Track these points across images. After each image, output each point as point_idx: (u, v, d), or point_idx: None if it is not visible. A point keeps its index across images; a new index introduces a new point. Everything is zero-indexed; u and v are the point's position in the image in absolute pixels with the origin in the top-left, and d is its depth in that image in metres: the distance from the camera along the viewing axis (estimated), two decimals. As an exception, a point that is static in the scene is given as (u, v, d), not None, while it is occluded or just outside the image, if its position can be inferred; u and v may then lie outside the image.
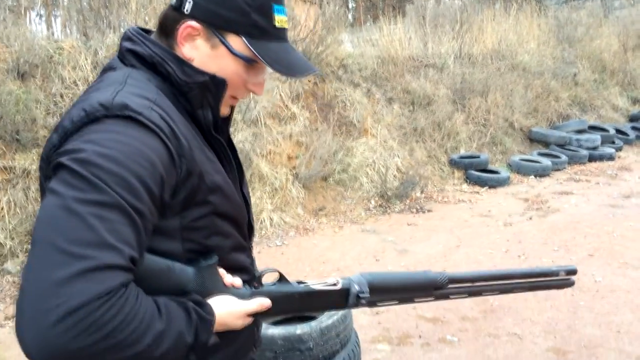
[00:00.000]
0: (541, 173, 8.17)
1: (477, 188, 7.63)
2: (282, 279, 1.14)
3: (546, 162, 8.32)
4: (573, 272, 1.38)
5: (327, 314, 2.73)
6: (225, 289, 1.06)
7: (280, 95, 7.07)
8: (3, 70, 5.49)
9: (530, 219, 6.23)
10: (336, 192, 6.80)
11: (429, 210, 6.66)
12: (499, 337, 3.54)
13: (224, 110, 1.14)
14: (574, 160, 8.81)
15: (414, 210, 6.66)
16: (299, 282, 1.16)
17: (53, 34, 7.23)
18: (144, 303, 0.87)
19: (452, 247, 5.36)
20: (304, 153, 6.73)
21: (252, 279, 1.16)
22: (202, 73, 1.05)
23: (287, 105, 7.09)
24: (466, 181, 7.84)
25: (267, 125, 6.72)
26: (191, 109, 1.07)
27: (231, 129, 5.96)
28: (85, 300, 0.78)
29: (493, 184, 7.65)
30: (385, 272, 1.27)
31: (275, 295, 1.11)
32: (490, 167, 8.10)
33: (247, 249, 1.21)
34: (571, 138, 9.21)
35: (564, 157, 8.66)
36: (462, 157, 8.07)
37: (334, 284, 1.17)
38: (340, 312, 2.72)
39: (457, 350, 3.42)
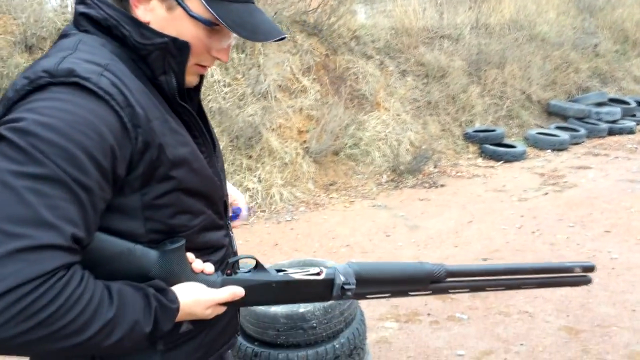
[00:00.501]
0: (559, 147, 7.98)
1: (492, 162, 7.48)
2: (258, 266, 1.05)
3: (564, 135, 8.12)
4: (590, 268, 1.25)
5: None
6: (193, 276, 0.98)
7: (291, 67, 6.94)
8: (11, 42, 5.43)
9: (546, 194, 6.09)
10: (347, 166, 6.71)
11: (442, 185, 6.54)
12: (510, 315, 3.46)
13: (190, 80, 1.04)
14: (592, 133, 8.58)
15: (427, 185, 6.55)
16: (278, 271, 1.07)
17: (67, 5, 7.13)
18: (89, 288, 0.80)
19: (465, 222, 5.26)
20: (315, 127, 6.62)
21: (228, 258, 1.08)
22: (161, 35, 0.96)
23: (297, 78, 6.96)
24: (481, 155, 7.69)
25: (277, 98, 6.61)
26: (152, 75, 0.97)
27: (236, 102, 5.86)
28: (16, 283, 0.71)
29: (509, 159, 7.49)
30: (376, 262, 1.18)
31: (250, 283, 1.02)
32: (506, 141, 7.92)
33: (224, 227, 1.13)
34: (590, 111, 8.97)
35: (582, 131, 8.44)
36: (477, 131, 7.90)
37: (317, 274, 1.08)
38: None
39: (466, 328, 3.35)
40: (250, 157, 6.10)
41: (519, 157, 7.53)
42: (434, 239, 4.87)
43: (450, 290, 1.17)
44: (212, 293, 0.98)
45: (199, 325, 1.03)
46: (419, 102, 7.89)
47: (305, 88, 6.92)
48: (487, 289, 1.20)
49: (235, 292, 1.00)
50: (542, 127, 8.75)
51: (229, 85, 6.44)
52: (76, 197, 0.79)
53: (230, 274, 1.03)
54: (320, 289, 1.08)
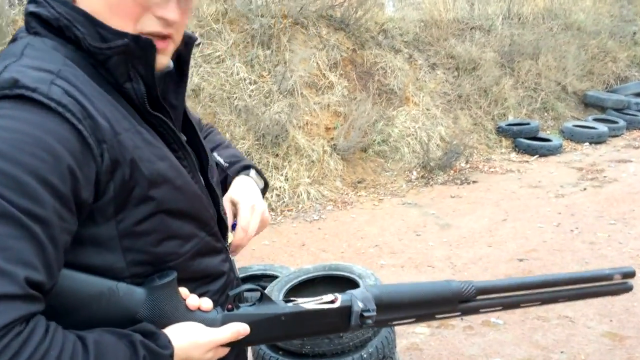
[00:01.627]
0: (597, 140, 7.66)
1: (526, 157, 7.22)
2: (264, 297, 0.93)
3: (602, 128, 7.80)
4: (631, 274, 1.13)
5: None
6: (189, 314, 0.86)
7: (317, 63, 6.82)
8: None
9: (585, 189, 5.83)
10: (376, 163, 6.55)
11: (474, 182, 6.33)
12: (549, 320, 3.28)
13: (161, 61, 0.88)
14: (632, 125, 8.22)
15: (458, 181, 6.35)
16: (287, 301, 0.95)
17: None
18: (57, 342, 0.67)
19: (499, 221, 5.06)
20: (342, 123, 6.48)
21: (229, 286, 0.97)
22: (121, 35, 0.81)
23: (324, 74, 6.82)
24: (515, 150, 7.44)
25: (304, 95, 6.49)
26: (116, 82, 0.84)
27: (262, 100, 5.75)
28: None
29: (544, 153, 7.23)
30: (397, 284, 1.05)
31: (256, 318, 0.90)
32: (541, 134, 7.65)
33: (221, 251, 1.00)
34: (630, 101, 8.60)
35: (621, 122, 8.10)
36: (510, 125, 7.64)
37: (332, 302, 0.96)
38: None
39: (502, 334, 3.18)
40: (277, 155, 6.00)
41: (554, 151, 7.26)
42: (466, 238, 4.69)
43: (481, 310, 1.05)
44: (211, 333, 0.85)
45: None
46: (450, 96, 7.68)
47: (332, 84, 6.78)
48: (522, 305, 1.08)
49: (238, 330, 0.87)
50: (578, 119, 8.43)
51: (255, 82, 6.35)
52: (29, 232, 0.66)
53: (231, 309, 0.90)
54: (336, 319, 0.95)
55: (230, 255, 1.04)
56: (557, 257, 4.17)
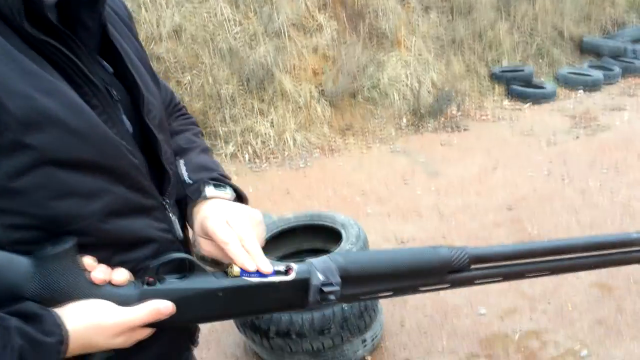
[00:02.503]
0: (591, 87, 7.47)
1: (519, 104, 7.05)
2: (195, 268, 0.77)
3: (597, 74, 7.60)
4: None
5: (341, 249, 2.43)
6: (92, 290, 0.69)
7: (306, 4, 6.51)
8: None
9: (577, 137, 5.70)
10: (365, 109, 6.37)
11: (465, 129, 6.18)
12: (536, 270, 3.21)
13: None
14: (628, 72, 8.01)
15: (449, 128, 6.19)
16: (227, 272, 0.78)
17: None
18: None
19: (489, 169, 4.94)
20: (331, 68, 6.25)
21: (167, 255, 0.78)
22: None
23: (313, 15, 6.53)
24: (508, 96, 7.25)
25: (291, 37, 6.22)
26: None
27: (247, 41, 5.49)
28: None
29: (537, 100, 7.05)
30: (371, 251, 0.88)
31: (183, 294, 0.74)
32: (535, 80, 7.45)
33: (153, 209, 0.82)
34: (626, 48, 8.36)
35: (617, 69, 7.89)
36: (504, 71, 7.43)
37: (285, 272, 0.79)
38: (355, 248, 2.42)
39: (489, 285, 3.10)
40: (262, 100, 5.79)
41: (548, 97, 7.09)
42: (455, 186, 4.58)
43: (476, 282, 0.88)
44: (121, 313, 0.69)
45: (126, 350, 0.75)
46: (443, 40, 7.42)
47: (321, 26, 6.50)
48: (528, 275, 0.90)
49: (158, 308, 0.71)
50: (574, 65, 8.22)
51: (240, 24, 6.06)
52: None
53: (152, 283, 0.74)
54: (290, 294, 0.79)
55: (170, 214, 0.86)
56: (546, 205, 4.07)
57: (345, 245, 2.45)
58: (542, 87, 7.24)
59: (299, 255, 2.90)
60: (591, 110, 6.61)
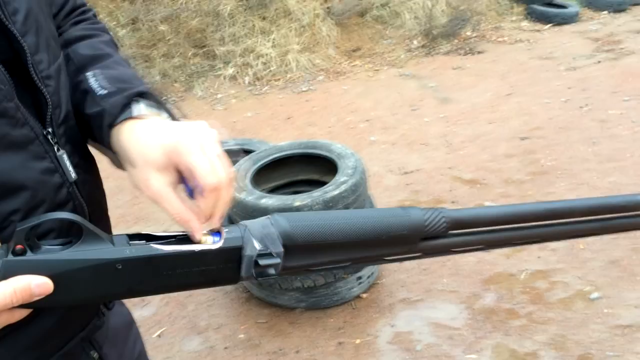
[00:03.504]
0: (617, 8, 6.98)
1: (539, 26, 6.62)
2: (86, 233, 0.56)
3: (624, -6, 7.09)
4: None
5: (336, 181, 2.24)
6: None
7: None
8: None
9: (599, 62, 5.34)
10: (374, 30, 5.99)
11: (480, 52, 5.82)
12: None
13: None
14: (658, -8, 7.49)
15: (463, 51, 5.83)
16: (133, 237, 0.59)
17: None
18: None
19: (503, 95, 4.65)
20: (338, -16, 5.84)
21: (46, 206, 0.60)
22: None
23: None
24: (527, 17, 6.81)
25: (296, -51, 5.78)
26: None
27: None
28: None
29: (559, 21, 6.62)
30: (322, 212, 0.68)
31: (65, 268, 0.55)
32: (557, 0, 6.97)
33: (32, 141, 0.61)
34: (659, -35, 7.77)
35: (646, -11, 7.36)
36: (524, -11, 6.95)
37: (215, 238, 0.61)
38: (352, 180, 2.22)
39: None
40: (264, 18, 5.44)
41: (570, 19, 6.64)
42: (466, 114, 4.32)
43: (453, 250, 0.71)
44: None
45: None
46: (460, -45, 6.89)
47: (328, -63, 6.02)
48: (515, 242, 0.74)
49: (29, 285, 0.53)
50: (600, -16, 7.66)
51: None
52: None
53: (22, 252, 0.54)
54: (215, 268, 0.60)
55: (57, 151, 0.64)
56: (562, 135, 3.82)
57: (340, 177, 2.26)
58: (564, 7, 6.78)
59: (292, 186, 2.71)
60: (615, 33, 6.18)
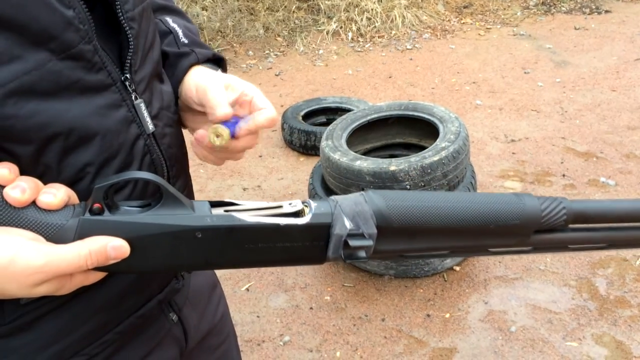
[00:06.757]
0: None
1: (680, -18, 5.88)
2: (165, 197, 0.52)
3: None
4: None
5: (436, 146, 2.11)
6: (7, 214, 0.48)
7: None
8: None
9: None
10: (488, -15, 5.60)
11: (606, 11, 5.27)
12: (675, 186, 2.70)
13: None
14: None
15: (587, 10, 5.31)
16: (215, 205, 0.54)
17: None
18: None
19: (630, 60, 4.19)
20: None
21: (125, 160, 0.56)
22: None
23: None
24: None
25: None
26: None
27: None
28: None
29: None
30: (424, 192, 0.59)
31: (142, 232, 0.51)
32: None
33: (108, 87, 0.56)
34: None
35: None
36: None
37: (296, 214, 0.55)
38: (453, 147, 2.08)
39: (611, 196, 2.66)
40: (371, -29, 5.23)
41: None
42: (585, 79, 3.94)
43: (570, 246, 0.61)
44: (47, 253, 0.47)
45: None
46: None
47: None
48: None
49: (105, 248, 0.49)
50: None
51: None
52: None
53: (99, 211, 0.51)
54: (300, 245, 0.55)
55: (134, 100, 0.59)
56: (699, 108, 3.39)
57: (441, 143, 2.12)
58: None
59: (389, 149, 2.61)
60: None
